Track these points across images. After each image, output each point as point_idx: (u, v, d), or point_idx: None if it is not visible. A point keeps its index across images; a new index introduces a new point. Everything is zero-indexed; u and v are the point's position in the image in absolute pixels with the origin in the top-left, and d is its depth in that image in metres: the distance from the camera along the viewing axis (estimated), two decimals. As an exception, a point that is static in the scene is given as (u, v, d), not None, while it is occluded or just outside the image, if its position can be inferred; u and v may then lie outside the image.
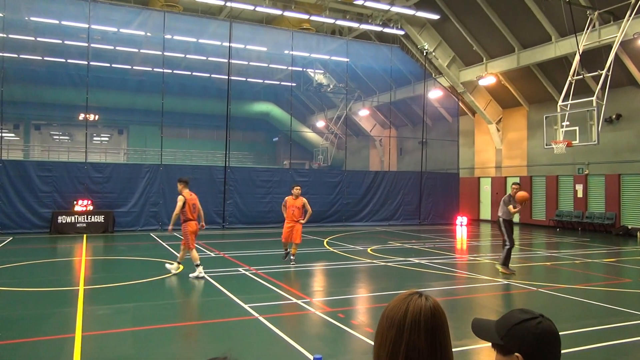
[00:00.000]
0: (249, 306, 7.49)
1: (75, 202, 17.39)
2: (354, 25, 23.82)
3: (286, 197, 11.94)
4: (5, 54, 18.50)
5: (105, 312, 7.39)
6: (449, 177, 24.87)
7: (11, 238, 15.60)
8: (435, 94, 25.81)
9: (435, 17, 22.31)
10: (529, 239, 18.72)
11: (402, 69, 25.30)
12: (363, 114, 32.40)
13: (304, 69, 28.76)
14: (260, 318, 6.88)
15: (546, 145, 17.76)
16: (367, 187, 22.84)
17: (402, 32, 24.25)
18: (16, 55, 20.43)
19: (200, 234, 16.40)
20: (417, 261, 12.25)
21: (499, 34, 21.49)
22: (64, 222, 17.15)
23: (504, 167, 25.64)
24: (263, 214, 20.45)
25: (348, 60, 24.24)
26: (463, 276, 10.77)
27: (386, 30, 23.73)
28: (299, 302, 7.95)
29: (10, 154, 22.59)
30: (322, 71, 29.65)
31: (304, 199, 11.78)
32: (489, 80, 23.27)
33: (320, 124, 34.94)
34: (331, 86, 29.63)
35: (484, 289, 9.54)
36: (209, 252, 13.55)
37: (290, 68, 24.48)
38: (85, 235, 16.69)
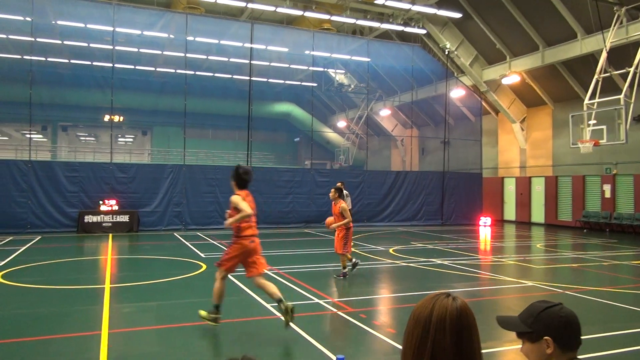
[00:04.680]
0: (271, 306, 7.52)
1: (101, 202, 17.72)
2: (375, 24, 23.73)
3: None
4: (33, 58, 18.95)
5: (130, 310, 7.51)
6: (472, 177, 24.59)
7: (40, 237, 15.97)
8: (457, 93, 25.55)
9: (457, 15, 22.08)
10: (555, 240, 18.38)
11: (423, 68, 25.11)
12: (384, 113, 32.25)
13: (325, 69, 28.77)
14: (282, 318, 6.89)
15: (572, 144, 17.40)
16: (388, 187, 22.73)
17: (423, 31, 24.07)
18: (44, 59, 20.90)
19: (222, 234, 16.57)
20: (439, 262, 12.15)
21: (523, 31, 21.15)
22: (90, 221, 17.49)
23: (528, 167, 25.23)
24: (284, 214, 20.52)
25: (369, 60, 24.16)
26: (487, 277, 10.63)
27: (407, 29, 23.57)
28: (320, 302, 7.95)
29: (38, 154, 23.12)
30: (343, 71, 29.62)
31: (343, 203, 9.91)
32: (512, 79, 22.93)
33: (342, 124, 34.91)
34: (352, 86, 29.58)
35: (509, 290, 9.40)
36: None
37: (311, 68, 24.51)
38: (110, 235, 16.99)
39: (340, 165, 31.47)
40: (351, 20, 22.66)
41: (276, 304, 6.42)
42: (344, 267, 10.02)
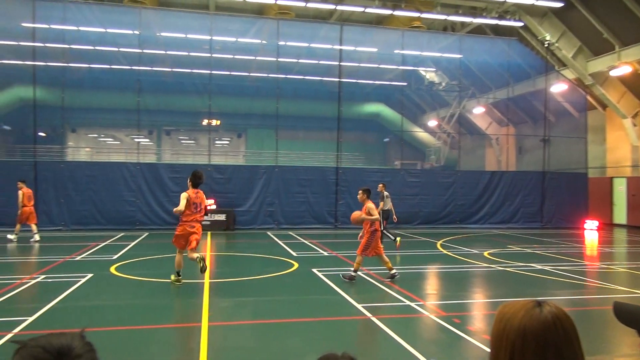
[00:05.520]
0: (362, 306, 7.53)
1: (200, 202, 18.74)
2: (468, 20, 22.91)
3: None
4: (141, 68, 20.54)
5: (228, 304, 7.87)
6: (576, 177, 22.91)
7: (147, 234, 17.25)
8: (558, 88, 23.93)
9: (558, 4, 20.68)
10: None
11: (520, 63, 23.82)
12: (478, 111, 31.02)
13: (415, 68, 28.26)
14: (373, 318, 6.88)
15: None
16: (483, 187, 21.85)
17: (520, 24, 22.83)
18: (150, 68, 22.55)
19: (313, 234, 16.85)
20: (539, 267, 11.45)
21: (634, 18, 19.33)
22: (190, 219, 18.56)
23: (641, 165, 23.04)
24: (374, 215, 20.40)
25: (461, 56, 23.36)
26: (594, 286, 9.85)
27: (502, 22, 22.49)
28: (412, 304, 7.82)
29: (145, 157, 24.99)
30: (434, 69, 28.91)
31: (370, 203, 9.62)
32: (623, 70, 21.05)
33: (432, 123, 34.09)
34: (443, 84, 28.77)
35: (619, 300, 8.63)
36: (322, 251, 13.86)
37: (400, 67, 24.20)
38: (209, 233, 17.94)
39: (431, 166, 30.74)
40: (442, 17, 22.07)
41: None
42: (355, 271, 9.45)
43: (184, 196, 8.82)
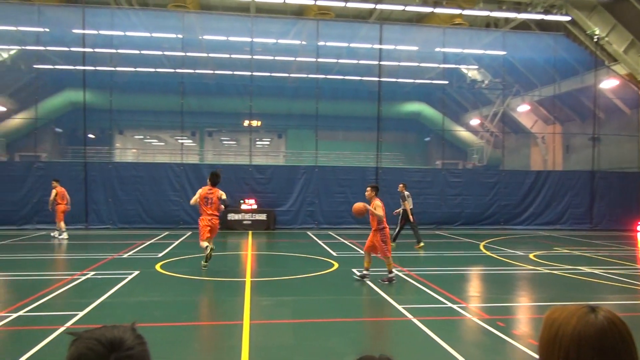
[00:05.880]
0: (403, 307, 7.45)
1: (241, 201, 19.08)
2: (512, 15, 22.30)
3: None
4: (184, 70, 21.05)
5: (268, 303, 7.95)
6: (628, 176, 21.93)
7: (190, 232, 17.65)
8: (608, 84, 22.96)
9: (609, -3, 19.86)
10: None
11: (567, 59, 23.00)
12: (522, 109, 30.14)
13: (457, 66, 27.75)
14: (414, 320, 6.80)
15: None
16: (528, 188, 21.24)
17: (567, 18, 22.04)
18: (193, 71, 23.05)
19: (354, 234, 16.81)
20: (588, 270, 11.03)
21: (693, 9, 18.35)
22: (232, 219, 18.92)
23: (700, 164, 21.82)
24: (415, 215, 20.16)
25: (505, 53, 22.79)
26: (647, 290, 9.40)
27: (549, 17, 21.77)
28: (454, 306, 7.68)
29: (188, 158, 25.58)
30: (476, 67, 28.30)
31: (377, 201, 9.45)
32: (679, 64, 20.01)
33: (475, 122, 33.36)
34: (486, 82, 28.11)
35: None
36: (362, 252, 13.79)
37: (441, 66, 23.83)
38: (250, 232, 18.19)
39: (473, 165, 30.12)
40: (484, 13, 21.56)
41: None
42: (390, 272, 9.37)
43: (198, 191, 10.57)
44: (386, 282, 9.29)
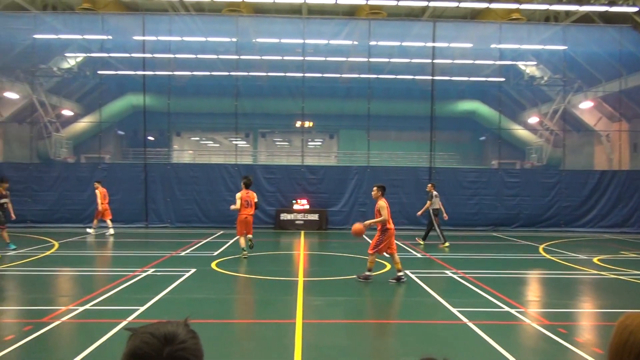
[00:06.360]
0: (457, 310, 7.29)
1: (294, 201, 19.28)
2: (573, 8, 21.32)
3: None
4: (238, 73, 21.51)
5: (321, 303, 7.99)
6: None
7: (244, 232, 17.98)
8: (681, 78, 21.53)
9: (682, -15, 18.62)
10: None
11: (634, 52, 21.73)
12: (585, 106, 28.73)
13: (514, 62, 26.84)
14: (469, 324, 6.63)
15: None
16: (591, 188, 20.25)
17: (634, 9, 20.83)
18: (246, 73, 23.52)
19: (406, 235, 16.59)
20: (659, 276, 10.38)
21: None
22: (285, 219, 19.16)
23: None
24: (470, 216, 19.74)
25: (566, 47, 21.81)
26: None
27: (614, 9, 20.66)
28: (511, 311, 7.43)
29: (242, 158, 26.10)
30: (535, 63, 27.25)
31: (381, 201, 9.45)
32: None
33: (533, 120, 32.12)
34: (545, 78, 26.98)
35: None
36: (414, 253, 13.62)
37: (498, 63, 23.12)
38: (302, 232, 18.34)
39: (531, 165, 29.03)
40: (544, 7, 20.75)
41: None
42: (369, 270, 9.37)
43: (238, 196, 11.84)
44: (362, 280, 9.34)
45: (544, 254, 13.73)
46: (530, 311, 7.52)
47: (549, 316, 7.28)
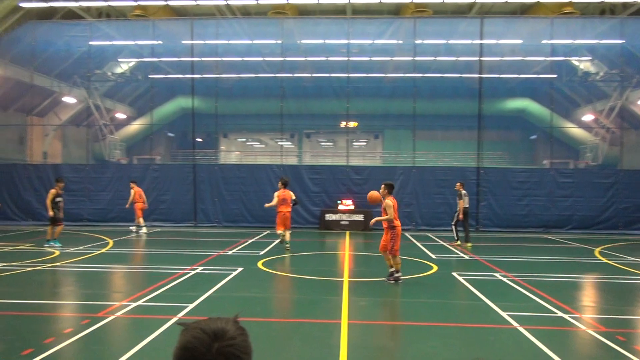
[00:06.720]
0: (507, 314, 7.08)
1: (339, 202, 19.28)
2: (631, 0, 20.31)
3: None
4: (283, 75, 21.74)
5: (366, 303, 7.95)
6: None
7: (289, 232, 18.13)
8: None
9: None
10: None
11: (700, 44, 20.49)
12: (644, 102, 27.35)
13: (567, 58, 25.84)
14: (520, 329, 6.43)
15: None
16: (652, 189, 19.21)
17: (700, -1, 19.64)
18: (292, 75, 23.73)
19: (453, 236, 16.25)
20: None
21: None
22: (330, 219, 19.19)
23: None
24: (520, 217, 19.15)
25: (623, 41, 20.77)
26: None
27: (677, -1, 19.54)
28: (565, 316, 7.15)
29: (287, 159, 26.36)
30: (589, 58, 26.13)
31: (388, 199, 9.39)
32: None
33: (588, 117, 30.82)
34: (601, 74, 25.81)
35: None
36: (462, 255, 13.34)
37: (549, 59, 22.32)
38: (347, 232, 18.32)
39: (586, 164, 27.86)
40: (598, 0, 19.85)
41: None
42: (391, 267, 9.34)
43: (275, 194, 13.27)
44: (392, 282, 9.20)
45: (601, 257, 13.14)
46: (586, 317, 7.22)
47: (607, 323, 6.96)
